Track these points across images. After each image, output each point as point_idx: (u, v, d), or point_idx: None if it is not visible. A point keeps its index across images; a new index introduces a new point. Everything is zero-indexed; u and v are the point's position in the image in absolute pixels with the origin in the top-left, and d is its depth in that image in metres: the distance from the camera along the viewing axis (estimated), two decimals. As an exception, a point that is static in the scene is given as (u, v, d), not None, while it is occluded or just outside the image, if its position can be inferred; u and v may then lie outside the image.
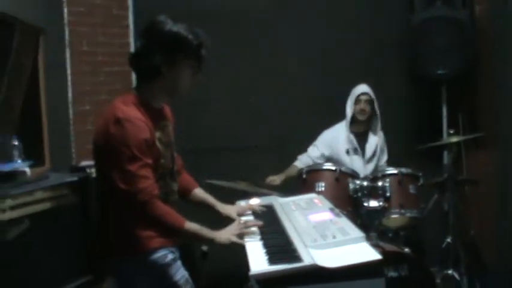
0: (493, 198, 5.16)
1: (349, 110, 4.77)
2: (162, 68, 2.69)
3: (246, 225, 2.88)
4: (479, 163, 5.32)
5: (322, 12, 5.38)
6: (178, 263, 2.75)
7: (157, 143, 2.71)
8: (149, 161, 2.63)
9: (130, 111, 2.62)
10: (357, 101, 4.72)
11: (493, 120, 5.07)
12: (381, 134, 4.87)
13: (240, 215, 3.20)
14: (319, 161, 4.78)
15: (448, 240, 4.61)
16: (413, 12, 5.01)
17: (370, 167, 4.79)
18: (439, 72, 4.91)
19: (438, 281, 4.27)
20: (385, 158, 4.93)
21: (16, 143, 3.03)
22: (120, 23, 5.08)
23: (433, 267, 4.28)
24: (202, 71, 2.84)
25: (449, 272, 4.51)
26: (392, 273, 3.70)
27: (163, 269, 2.65)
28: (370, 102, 4.72)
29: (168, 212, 2.67)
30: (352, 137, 4.77)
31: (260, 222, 2.87)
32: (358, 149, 4.77)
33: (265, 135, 5.38)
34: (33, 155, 3.25)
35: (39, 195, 2.63)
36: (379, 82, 4.95)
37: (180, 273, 2.72)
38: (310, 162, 4.80)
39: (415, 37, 4.99)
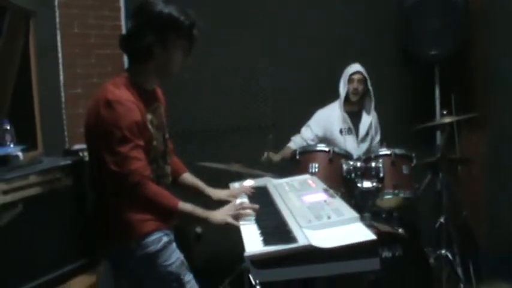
0: (486, 178, 5.18)
1: (342, 90, 4.78)
2: (154, 49, 2.67)
3: (242, 206, 2.86)
4: (472, 143, 5.33)
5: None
6: (173, 245, 2.73)
7: (149, 125, 2.69)
8: (140, 142, 2.61)
9: (121, 93, 2.61)
10: (350, 80, 4.74)
11: (486, 101, 5.08)
12: (374, 113, 4.89)
13: (232, 197, 3.19)
14: (312, 142, 4.79)
15: (441, 220, 4.63)
16: (406, -7, 5.00)
17: (364, 146, 4.81)
18: (432, 53, 4.92)
19: (432, 260, 4.30)
20: (378, 138, 4.95)
21: (8, 127, 3.00)
22: (112, 5, 5.03)
23: (426, 247, 4.31)
24: (193, 52, 2.82)
25: (443, 252, 4.54)
26: (386, 254, 3.73)
27: (158, 252, 2.64)
28: (363, 81, 4.74)
29: (160, 192, 2.66)
30: (346, 116, 4.78)
31: (256, 206, 2.85)
32: (352, 129, 4.78)
33: (259, 116, 5.37)
34: (25, 139, 3.22)
35: (33, 179, 2.60)
36: (372, 63, 4.96)
37: (176, 255, 2.71)
38: (304, 143, 4.81)
39: (409, 18, 4.99)
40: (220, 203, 3.06)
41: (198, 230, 4.69)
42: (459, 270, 4.54)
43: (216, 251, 4.89)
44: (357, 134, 4.80)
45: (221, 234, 3.95)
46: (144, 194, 2.59)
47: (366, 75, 4.73)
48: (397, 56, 5.28)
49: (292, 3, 5.38)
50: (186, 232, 4.51)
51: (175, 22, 2.68)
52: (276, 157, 4.76)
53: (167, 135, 2.92)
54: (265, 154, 4.68)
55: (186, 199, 2.75)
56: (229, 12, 5.26)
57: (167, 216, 2.68)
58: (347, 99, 4.79)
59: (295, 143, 4.88)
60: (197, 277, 2.83)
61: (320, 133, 4.85)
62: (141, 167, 2.58)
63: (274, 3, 5.35)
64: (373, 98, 4.78)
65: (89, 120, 2.70)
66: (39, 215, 2.60)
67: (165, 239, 2.67)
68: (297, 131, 4.94)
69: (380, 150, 4.45)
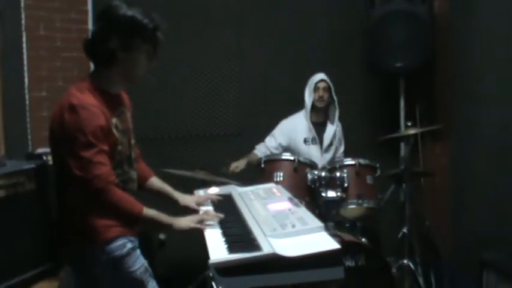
0: (448, 189, 5.25)
1: (307, 99, 4.81)
2: (118, 52, 2.65)
3: (207, 213, 2.87)
4: (435, 155, 5.40)
5: (283, 4, 5.40)
6: (138, 251, 2.72)
7: (114, 130, 2.67)
8: (105, 147, 2.59)
9: (85, 98, 2.59)
10: (315, 88, 4.77)
11: (449, 113, 5.14)
12: (338, 124, 4.93)
13: (199, 205, 3.19)
14: (276, 151, 4.81)
15: (404, 230, 4.66)
16: (373, 6, 5.05)
17: (328, 156, 4.84)
18: (398, 65, 4.97)
19: (394, 270, 4.33)
20: (342, 148, 5.00)
21: (-30, 129, 2.96)
22: (79, 9, 5.00)
23: (389, 257, 4.34)
24: (158, 56, 2.81)
25: (405, 261, 4.57)
26: (349, 263, 3.75)
27: (122, 258, 2.63)
28: (328, 89, 4.78)
29: (124, 198, 2.64)
30: (311, 125, 4.80)
31: (221, 215, 2.86)
32: (316, 138, 4.81)
33: (225, 124, 5.38)
34: (-13, 141, 3.18)
35: (-4, 182, 2.58)
36: (339, 74, 5.01)
37: (139, 262, 2.71)
38: (267, 152, 4.82)
39: (375, 30, 5.03)
40: (187, 208, 3.06)
41: (162, 236, 4.66)
42: (421, 280, 4.57)
43: (179, 258, 4.86)
44: (321, 144, 4.83)
45: (185, 242, 3.94)
46: (109, 200, 2.57)
47: (330, 83, 4.78)
48: (362, 67, 5.31)
49: (258, 12, 5.40)
50: (150, 239, 4.48)
51: (138, 25, 2.66)
52: (240, 165, 4.77)
53: (133, 141, 2.90)
54: (231, 166, 4.70)
55: (153, 204, 2.74)
56: (196, 20, 5.25)
57: (132, 222, 2.67)
58: (313, 109, 4.82)
59: (260, 151, 4.90)
60: (160, 284, 2.82)
61: (284, 142, 4.87)
62: (106, 172, 2.57)
63: (240, 12, 5.37)
64: (337, 107, 4.82)
65: (53, 124, 2.67)
66: (1, 219, 2.56)
67: (129, 245, 2.66)
68: (262, 139, 4.95)
69: (345, 160, 4.49)
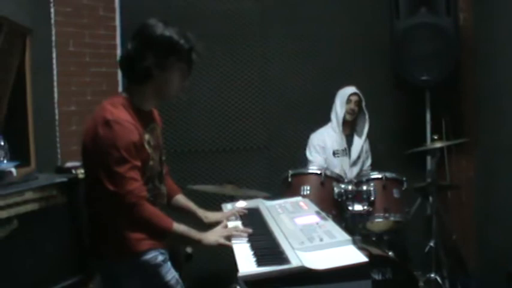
0: (475, 203, 5.22)
1: (339, 111, 4.80)
2: (153, 71, 2.69)
3: (235, 229, 2.89)
4: (461, 168, 5.37)
5: (308, 16, 5.41)
6: (168, 264, 2.75)
7: (146, 145, 2.71)
8: (137, 163, 2.63)
9: (119, 113, 2.62)
10: (348, 101, 4.78)
11: (476, 126, 5.13)
12: (366, 137, 4.91)
13: (224, 220, 3.19)
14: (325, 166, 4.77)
15: (431, 244, 4.65)
16: (398, 19, 5.04)
17: (355, 169, 4.84)
18: (424, 78, 4.94)
19: (421, 284, 4.31)
20: (369, 161, 4.99)
21: (2, 143, 3.01)
22: (107, 25, 5.06)
23: (416, 270, 4.32)
24: (191, 75, 2.85)
25: (432, 275, 4.56)
26: (376, 276, 3.74)
27: (154, 270, 2.66)
28: (359, 102, 4.79)
29: (156, 213, 2.68)
30: (343, 136, 4.81)
31: (249, 230, 2.87)
32: (347, 150, 4.82)
33: (252, 137, 5.39)
34: (18, 155, 3.23)
35: (29, 195, 2.63)
36: (364, 87, 4.98)
37: (171, 273, 2.74)
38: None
39: (400, 43, 5.01)
40: (212, 226, 3.07)
41: (189, 250, 4.68)
42: (448, 294, 4.57)
43: (206, 271, 4.88)
44: (349, 156, 4.83)
45: (211, 255, 3.96)
46: (140, 214, 2.61)
47: (362, 97, 4.79)
48: (388, 80, 5.30)
49: (284, 26, 5.42)
50: (178, 252, 4.51)
51: (175, 45, 2.70)
52: None
53: (164, 157, 2.93)
54: None
55: (180, 221, 2.77)
56: (221, 35, 5.28)
57: (161, 237, 2.70)
58: (342, 121, 4.82)
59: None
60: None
61: (324, 155, 4.87)
62: (138, 187, 2.60)
63: (267, 26, 5.39)
64: (367, 119, 4.82)
65: (86, 139, 2.70)
66: (34, 232, 2.61)
67: (160, 257, 2.69)
68: (290, 152, 4.96)
69: (371, 173, 4.48)
